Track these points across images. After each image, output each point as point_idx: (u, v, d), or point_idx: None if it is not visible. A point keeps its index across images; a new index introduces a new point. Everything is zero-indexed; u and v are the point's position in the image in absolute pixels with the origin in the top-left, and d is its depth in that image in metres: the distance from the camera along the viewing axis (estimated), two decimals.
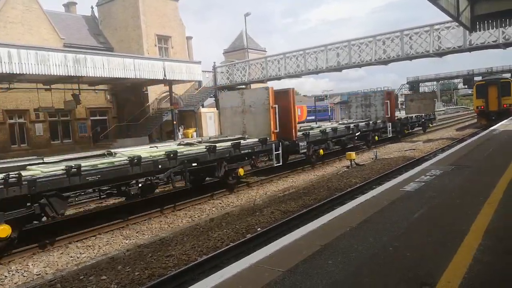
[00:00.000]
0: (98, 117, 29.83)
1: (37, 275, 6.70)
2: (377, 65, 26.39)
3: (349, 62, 26.68)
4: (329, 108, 53.44)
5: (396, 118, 24.91)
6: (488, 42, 21.57)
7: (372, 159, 17.25)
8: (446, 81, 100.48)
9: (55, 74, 19.78)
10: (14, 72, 18.32)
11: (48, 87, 23.26)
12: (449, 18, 14.16)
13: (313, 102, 54.37)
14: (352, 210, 5.52)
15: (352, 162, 15.67)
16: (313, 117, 50.98)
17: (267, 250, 4.10)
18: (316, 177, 14.25)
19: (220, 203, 11.14)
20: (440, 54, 23.48)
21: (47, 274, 6.71)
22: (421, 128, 31.08)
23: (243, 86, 34.49)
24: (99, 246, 7.99)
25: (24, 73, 18.65)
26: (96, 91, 28.26)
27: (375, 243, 4.08)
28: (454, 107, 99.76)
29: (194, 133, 32.44)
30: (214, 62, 35.69)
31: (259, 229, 8.04)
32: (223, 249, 6.85)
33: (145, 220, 9.65)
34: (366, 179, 12.44)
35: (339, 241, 4.23)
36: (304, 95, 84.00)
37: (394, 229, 4.52)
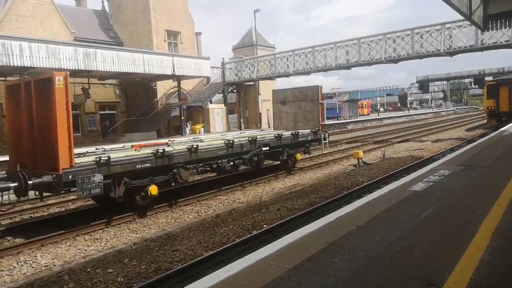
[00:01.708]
0: (107, 112, 30.07)
1: (45, 266, 6.79)
2: (387, 63, 26.22)
3: (359, 60, 26.54)
4: (337, 106, 53.21)
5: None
6: (501, 42, 21.32)
7: (380, 158, 17.16)
8: (456, 80, 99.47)
9: (66, 68, 19.95)
10: (25, 65, 18.55)
11: None
12: (461, 17, 14.01)
13: None
14: (359, 208, 5.50)
15: (360, 160, 15.61)
16: None
17: (273, 247, 4.10)
18: (323, 175, 14.21)
19: (227, 199, 11.17)
20: (451, 53, 23.26)
21: (55, 265, 6.79)
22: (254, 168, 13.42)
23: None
24: (106, 239, 8.07)
25: (35, 66, 18.87)
26: (106, 85, 28.47)
27: (382, 242, 4.07)
28: (464, 107, 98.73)
29: (202, 129, 32.54)
30: (223, 58, 35.72)
31: (265, 226, 8.05)
32: (229, 244, 6.87)
33: (152, 215, 9.72)
34: (373, 178, 12.37)
35: (346, 239, 4.22)
36: None
37: (402, 228, 4.49)
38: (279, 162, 14.37)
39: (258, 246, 5.56)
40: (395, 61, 25.67)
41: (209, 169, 11.50)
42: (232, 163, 11.74)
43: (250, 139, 12.30)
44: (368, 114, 66.91)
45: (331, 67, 28.03)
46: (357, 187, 11.08)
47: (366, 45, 26.19)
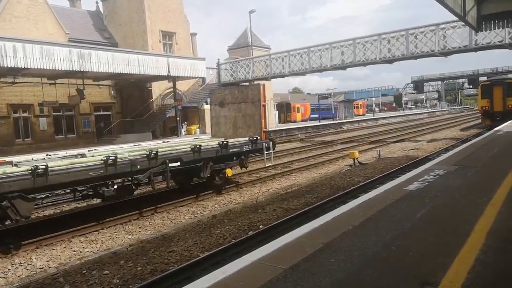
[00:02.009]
0: (102, 113, 29.92)
1: (40, 268, 6.75)
2: (381, 63, 26.26)
3: (354, 60, 26.57)
4: (332, 107, 53.32)
5: None
6: (494, 42, 21.42)
7: (375, 158, 17.21)
8: (451, 80, 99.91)
9: (60, 69, 19.86)
10: (19, 66, 18.42)
11: (53, 81, 23.36)
12: (455, 18, 14.07)
13: (317, 100, 54.34)
14: (354, 208, 5.51)
15: (355, 160, 15.65)
16: (317, 115, 50.97)
17: (269, 248, 4.10)
18: (319, 175, 14.24)
19: (223, 200, 11.17)
20: (446, 53, 23.34)
21: (50, 268, 6.76)
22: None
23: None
24: (102, 241, 8.03)
25: (29, 67, 18.75)
26: (100, 86, 28.34)
27: (378, 242, 4.08)
28: (459, 107, 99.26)
29: (198, 130, 32.49)
30: (218, 59, 35.59)
31: (261, 226, 8.05)
32: (225, 245, 6.86)
33: (148, 216, 9.69)
34: (369, 178, 12.41)
35: (342, 239, 4.22)
36: (308, 93, 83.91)
37: (397, 228, 4.51)
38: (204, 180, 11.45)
39: (254, 246, 5.55)
40: (390, 61, 25.72)
41: (92, 193, 8.84)
42: (116, 186, 8.80)
43: (147, 153, 9.33)
44: (364, 114, 67.14)
45: (326, 67, 28.03)
46: (353, 187, 11.11)
47: (361, 46, 26.23)
